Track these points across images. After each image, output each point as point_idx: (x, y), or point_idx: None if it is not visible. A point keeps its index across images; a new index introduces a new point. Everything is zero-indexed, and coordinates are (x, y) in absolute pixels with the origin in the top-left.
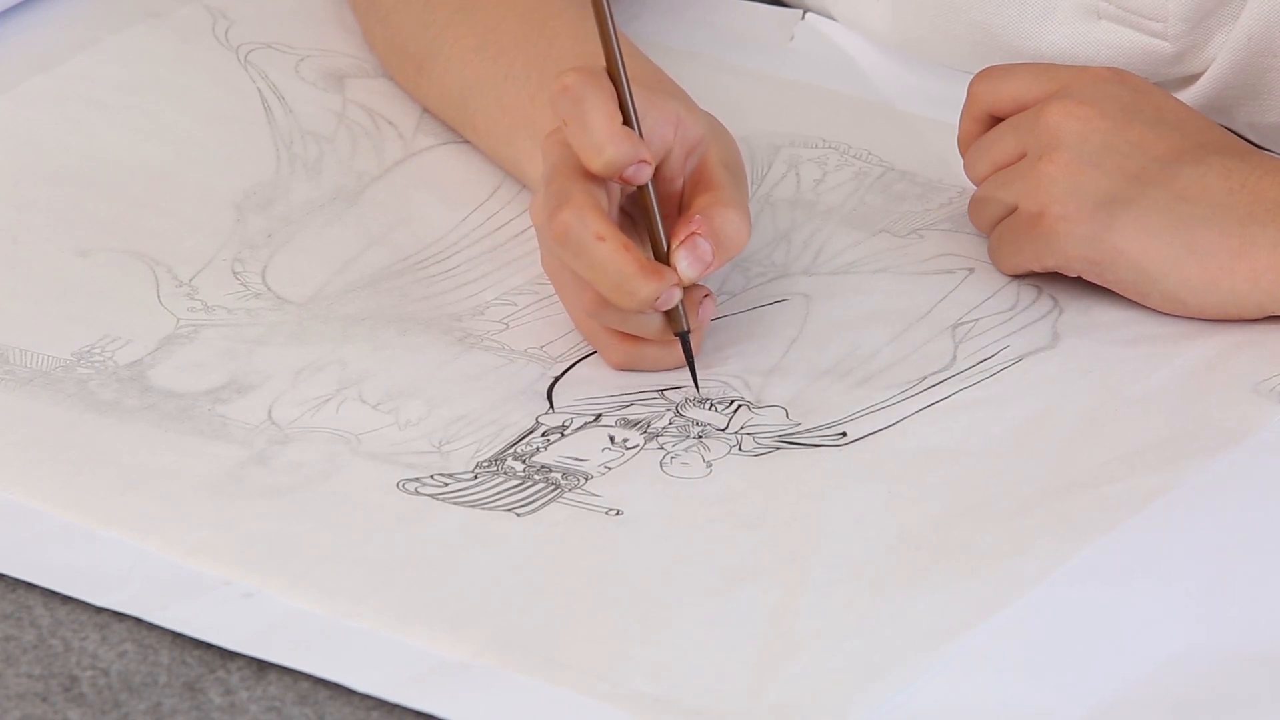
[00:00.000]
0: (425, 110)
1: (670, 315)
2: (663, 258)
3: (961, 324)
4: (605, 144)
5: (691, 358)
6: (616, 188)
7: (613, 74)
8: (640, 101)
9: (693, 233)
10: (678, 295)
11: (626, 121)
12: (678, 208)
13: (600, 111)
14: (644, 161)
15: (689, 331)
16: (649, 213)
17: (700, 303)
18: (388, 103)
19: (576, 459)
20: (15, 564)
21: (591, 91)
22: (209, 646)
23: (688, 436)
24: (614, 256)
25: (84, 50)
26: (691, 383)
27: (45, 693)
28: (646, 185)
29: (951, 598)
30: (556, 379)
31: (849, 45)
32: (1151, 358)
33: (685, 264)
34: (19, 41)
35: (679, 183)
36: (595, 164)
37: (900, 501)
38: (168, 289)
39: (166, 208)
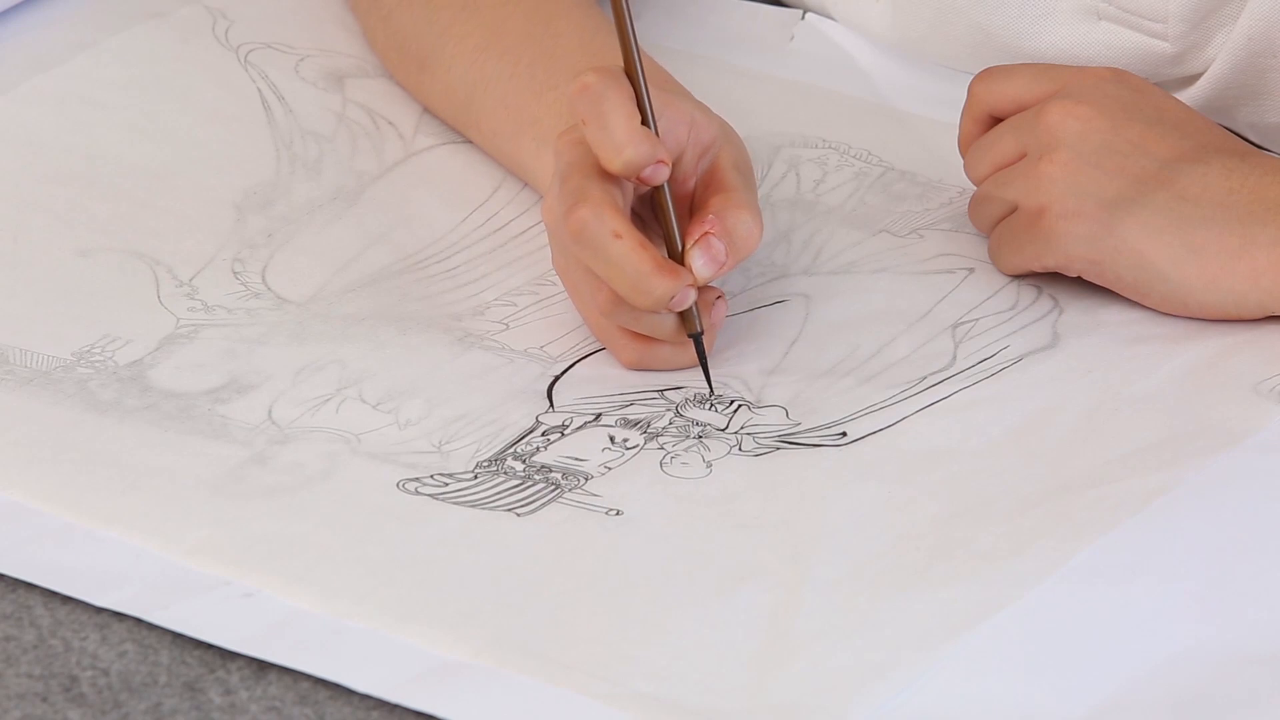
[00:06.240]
0: (427, 110)
1: (684, 316)
2: (677, 259)
3: (961, 324)
4: (625, 144)
5: (705, 360)
6: (630, 188)
7: (630, 74)
8: (656, 102)
9: (706, 232)
10: (692, 295)
11: (644, 122)
12: (689, 209)
13: (620, 112)
14: (662, 162)
15: (702, 333)
16: (664, 213)
17: (713, 304)
18: (388, 103)
19: (576, 459)
20: (15, 564)
21: (612, 92)
22: (209, 646)
23: (688, 436)
24: (631, 254)
25: (84, 50)
26: (704, 383)
27: (45, 693)
28: (662, 186)
29: (951, 598)
30: (557, 377)
31: (849, 45)
32: (1151, 358)
33: (700, 263)
34: (19, 41)
35: (691, 183)
36: (615, 164)
37: (900, 501)
38: (168, 289)
39: (166, 208)
